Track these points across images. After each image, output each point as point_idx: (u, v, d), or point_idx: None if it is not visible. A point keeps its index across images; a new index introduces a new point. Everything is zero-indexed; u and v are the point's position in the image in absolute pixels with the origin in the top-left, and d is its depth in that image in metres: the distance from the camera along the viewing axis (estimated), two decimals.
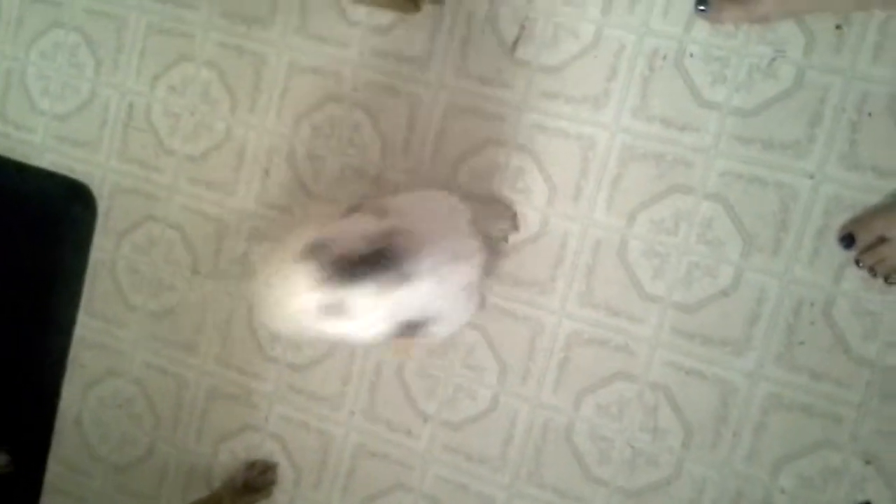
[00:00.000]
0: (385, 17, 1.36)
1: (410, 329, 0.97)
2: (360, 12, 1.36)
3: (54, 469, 1.60)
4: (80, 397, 1.58)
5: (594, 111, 1.27)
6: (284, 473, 1.46)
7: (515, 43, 1.30)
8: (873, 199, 1.15)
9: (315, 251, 0.88)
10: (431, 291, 0.92)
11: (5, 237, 1.61)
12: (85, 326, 1.57)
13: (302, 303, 0.88)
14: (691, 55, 1.22)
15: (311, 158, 1.41)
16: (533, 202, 1.30)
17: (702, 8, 1.19)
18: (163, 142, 1.50)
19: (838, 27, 1.15)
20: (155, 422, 1.54)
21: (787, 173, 1.18)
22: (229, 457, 1.49)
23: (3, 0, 1.60)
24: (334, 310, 0.87)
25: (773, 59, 1.18)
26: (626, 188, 1.26)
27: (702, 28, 1.21)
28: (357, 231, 0.91)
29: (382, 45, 1.36)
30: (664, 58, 1.23)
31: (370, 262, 0.86)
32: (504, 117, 1.30)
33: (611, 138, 1.26)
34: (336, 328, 0.90)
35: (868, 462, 1.16)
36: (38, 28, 1.58)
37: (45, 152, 1.58)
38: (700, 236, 1.22)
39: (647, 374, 1.25)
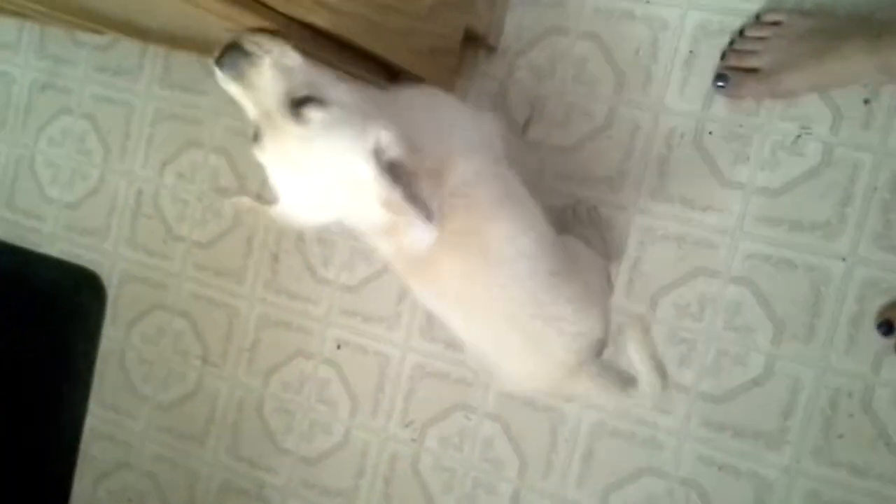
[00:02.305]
0: None
1: None
2: None
3: None
4: (91, 491, 1.54)
5: (610, 192, 1.22)
6: None
7: (527, 124, 1.26)
8: None
9: None
10: None
11: (16, 325, 1.59)
12: (95, 417, 1.54)
13: None
14: (710, 133, 1.17)
15: (321, 243, 1.38)
16: None
17: (720, 84, 1.14)
18: (171, 228, 1.48)
19: (866, 101, 1.10)
20: None
21: (817, 255, 1.12)
22: None
23: (12, 87, 1.60)
24: None
25: (799, 136, 1.13)
26: (646, 272, 1.20)
27: (721, 105, 1.16)
28: None
29: None
30: (682, 136, 1.18)
31: None
32: None
33: (628, 219, 1.21)
34: None
35: None
36: (46, 115, 1.58)
37: (54, 240, 1.57)
38: (728, 322, 1.16)
39: (677, 470, 1.18)
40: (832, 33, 1.05)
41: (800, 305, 1.13)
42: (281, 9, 0.79)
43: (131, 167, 1.50)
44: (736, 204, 1.15)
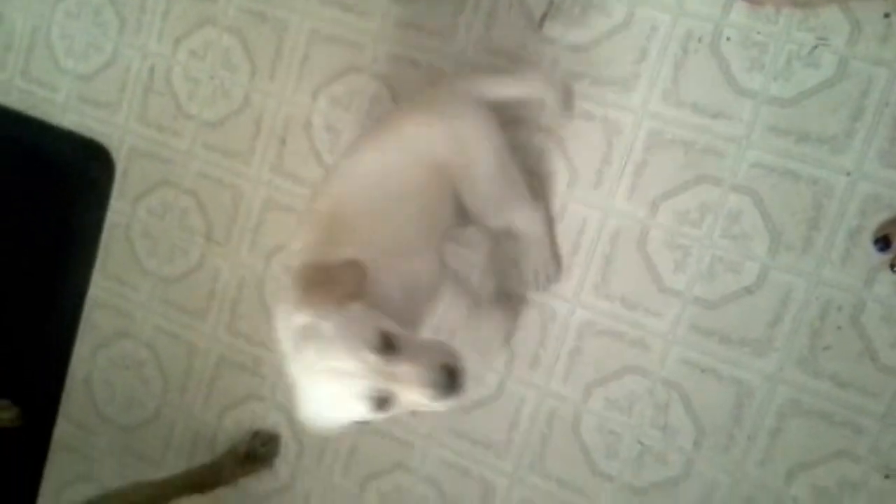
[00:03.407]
0: None
1: None
2: None
3: (62, 426, 1.61)
4: (90, 357, 1.58)
5: (622, 94, 1.21)
6: (287, 445, 1.45)
7: (543, 19, 1.24)
8: None
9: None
10: None
11: (24, 194, 1.61)
12: (99, 287, 1.57)
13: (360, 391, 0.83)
14: (728, 39, 1.15)
15: (328, 129, 1.38)
16: (553, 186, 1.25)
17: None
18: (182, 106, 1.48)
19: (887, 15, 1.08)
20: (163, 386, 1.53)
21: (822, 168, 1.12)
22: (234, 425, 1.48)
23: None
24: (382, 402, 0.83)
25: (815, 47, 1.11)
26: (650, 176, 1.20)
27: (740, 11, 1.14)
28: (434, 342, 0.88)
29: (406, 17, 1.32)
30: (699, 40, 1.17)
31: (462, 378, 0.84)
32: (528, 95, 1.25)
33: (638, 123, 1.20)
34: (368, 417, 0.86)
35: (888, 476, 1.11)
36: None
37: (66, 111, 1.57)
38: (725, 230, 1.17)
39: (661, 371, 1.21)
40: None
41: (799, 217, 1.13)
42: None
43: (146, 42, 1.50)
44: (747, 112, 1.15)
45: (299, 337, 0.84)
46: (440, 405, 0.81)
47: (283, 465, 1.45)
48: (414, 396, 0.81)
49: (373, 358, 0.80)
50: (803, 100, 1.12)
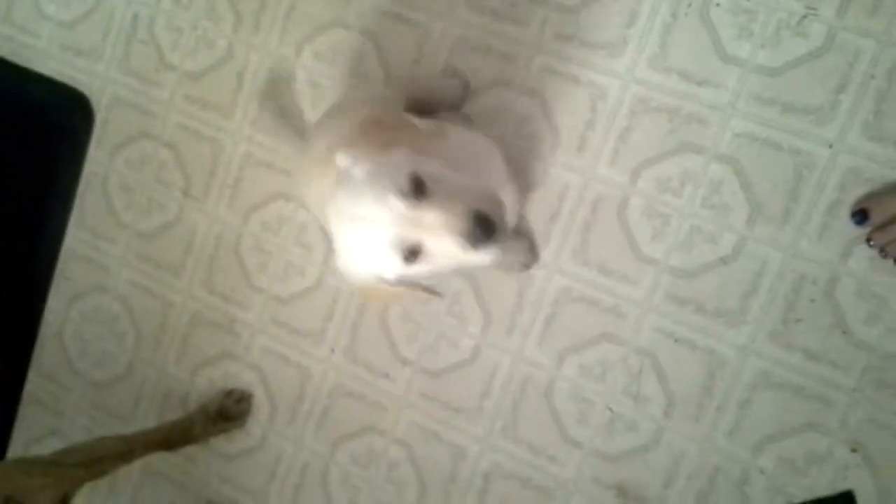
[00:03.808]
0: None
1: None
2: None
3: (33, 380, 1.59)
4: (64, 310, 1.56)
5: (609, 58, 1.20)
6: (260, 405, 1.44)
7: None
8: (894, 174, 1.08)
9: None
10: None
11: (2, 141, 1.59)
12: (74, 239, 1.55)
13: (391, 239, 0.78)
14: (718, 5, 1.14)
15: (312, 85, 1.36)
16: (535, 150, 1.24)
17: None
18: (164, 56, 1.46)
19: None
20: (136, 341, 1.52)
21: (805, 140, 1.11)
22: (207, 383, 1.47)
23: None
24: (412, 255, 0.78)
25: (805, 17, 1.10)
26: (633, 143, 1.19)
27: None
28: (473, 186, 0.82)
29: None
30: (689, 5, 1.16)
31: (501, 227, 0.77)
32: (515, 58, 1.24)
33: (623, 88, 1.19)
34: (401, 272, 0.81)
35: (854, 450, 1.11)
36: None
37: (47, 59, 1.55)
38: (706, 199, 1.16)
39: (635, 339, 1.20)
40: None
41: (779, 189, 1.13)
42: None
43: None
44: (732, 80, 1.14)
45: (338, 180, 0.80)
46: (473, 256, 0.76)
47: (255, 425, 1.44)
48: (444, 246, 0.76)
49: (399, 205, 0.75)
50: (790, 69, 1.11)
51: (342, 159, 0.80)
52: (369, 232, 0.77)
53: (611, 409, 1.22)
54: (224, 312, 1.45)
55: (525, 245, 1.24)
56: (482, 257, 0.77)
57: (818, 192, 1.11)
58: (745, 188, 1.14)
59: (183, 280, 1.48)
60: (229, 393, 1.45)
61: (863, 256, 1.10)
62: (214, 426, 1.42)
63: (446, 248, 0.76)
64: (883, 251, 1.07)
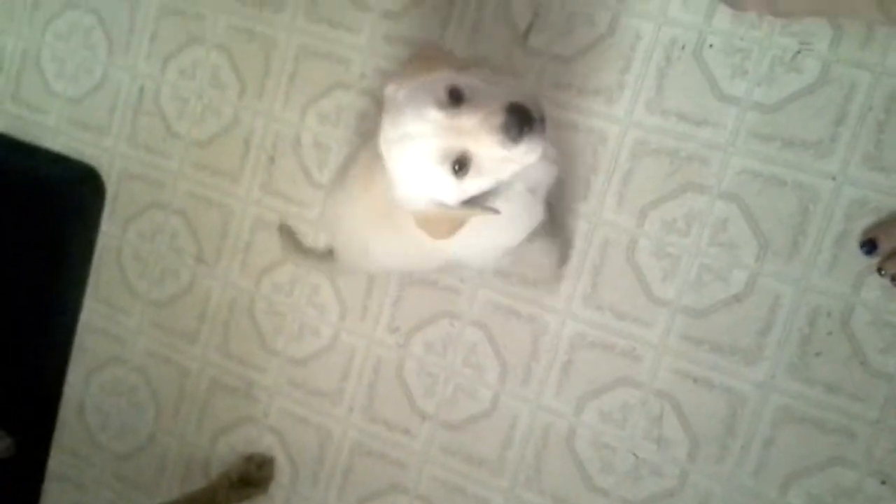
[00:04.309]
0: (397, 2, 1.32)
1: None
2: None
3: (56, 455, 1.60)
4: (83, 383, 1.57)
5: (607, 104, 1.21)
6: (282, 469, 1.43)
7: (528, 30, 1.25)
8: None
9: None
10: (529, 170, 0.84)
11: (16, 218, 1.61)
12: (90, 311, 1.56)
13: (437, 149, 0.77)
14: (711, 46, 1.16)
15: (317, 146, 1.38)
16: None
17: None
18: (170, 126, 1.49)
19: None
20: (156, 411, 1.52)
21: (807, 174, 1.12)
22: (227, 449, 1.47)
23: None
24: (461, 167, 0.77)
25: (798, 52, 1.12)
26: (637, 185, 1.20)
27: (723, 17, 1.15)
28: (509, 86, 0.83)
29: (393, 31, 1.33)
30: (682, 48, 1.17)
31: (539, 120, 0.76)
32: None
33: (623, 132, 1.21)
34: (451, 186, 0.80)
35: (884, 482, 1.09)
36: (53, 9, 1.58)
37: (56, 135, 1.58)
38: (713, 238, 1.16)
39: (653, 382, 1.20)
40: None
41: (786, 223, 1.13)
42: None
43: (135, 62, 1.51)
44: (730, 119, 1.15)
45: (384, 109, 0.80)
46: (517, 154, 0.75)
47: (278, 489, 1.44)
48: (487, 149, 0.75)
49: (438, 114, 0.75)
50: (787, 105, 1.12)
51: (388, 89, 0.81)
52: (415, 149, 0.77)
53: (634, 455, 1.21)
54: (241, 377, 1.46)
55: (553, 246, 1.20)
56: (527, 155, 0.76)
57: (825, 225, 1.11)
58: (752, 225, 1.14)
59: (199, 346, 1.49)
60: (250, 458, 1.44)
61: (875, 286, 1.09)
62: (238, 493, 1.41)
63: (490, 151, 0.75)
64: (894, 279, 1.07)
